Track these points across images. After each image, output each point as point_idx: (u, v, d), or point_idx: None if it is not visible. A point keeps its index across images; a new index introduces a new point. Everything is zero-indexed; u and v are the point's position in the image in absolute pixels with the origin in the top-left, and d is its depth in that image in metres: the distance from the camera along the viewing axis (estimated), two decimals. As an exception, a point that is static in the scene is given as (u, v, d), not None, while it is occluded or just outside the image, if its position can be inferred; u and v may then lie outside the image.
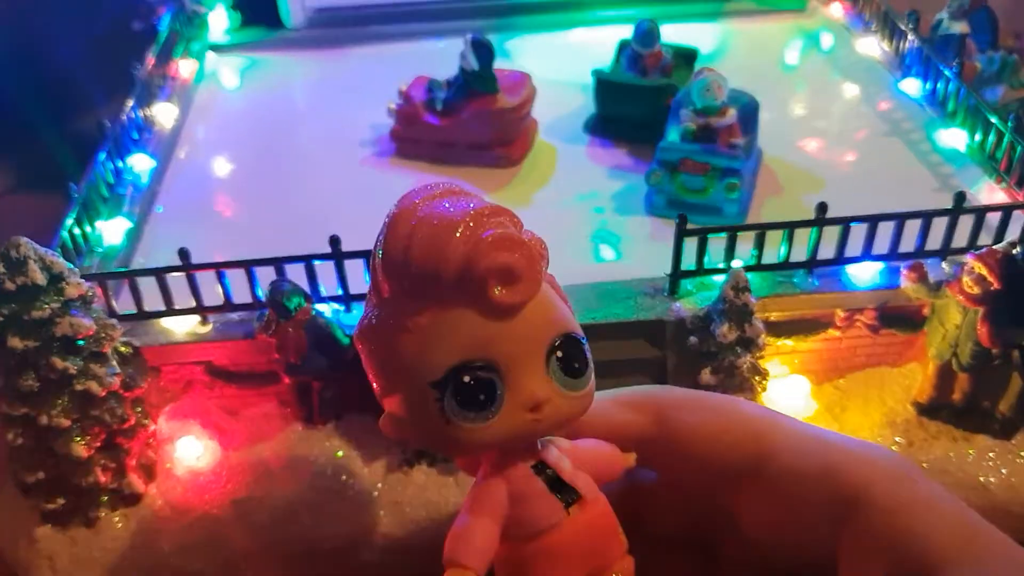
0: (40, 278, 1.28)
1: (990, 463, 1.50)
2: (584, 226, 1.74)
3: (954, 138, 1.85)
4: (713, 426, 0.63)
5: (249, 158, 2.01)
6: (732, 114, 1.71)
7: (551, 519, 0.60)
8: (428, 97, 1.91)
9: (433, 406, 0.56)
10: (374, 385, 0.61)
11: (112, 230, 1.68)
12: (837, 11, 2.36)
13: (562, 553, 0.60)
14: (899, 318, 1.54)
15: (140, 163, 1.87)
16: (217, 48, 2.37)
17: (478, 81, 1.86)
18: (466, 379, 0.56)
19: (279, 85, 2.29)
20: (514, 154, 1.93)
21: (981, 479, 1.48)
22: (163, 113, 2.03)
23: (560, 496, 0.61)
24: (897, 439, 1.52)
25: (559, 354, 0.59)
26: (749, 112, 1.78)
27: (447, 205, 0.56)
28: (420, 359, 0.56)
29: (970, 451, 1.51)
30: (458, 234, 0.55)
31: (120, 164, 1.82)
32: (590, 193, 1.84)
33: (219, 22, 2.36)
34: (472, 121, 1.88)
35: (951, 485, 1.48)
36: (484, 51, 1.84)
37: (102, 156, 1.74)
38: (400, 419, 0.59)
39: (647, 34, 1.94)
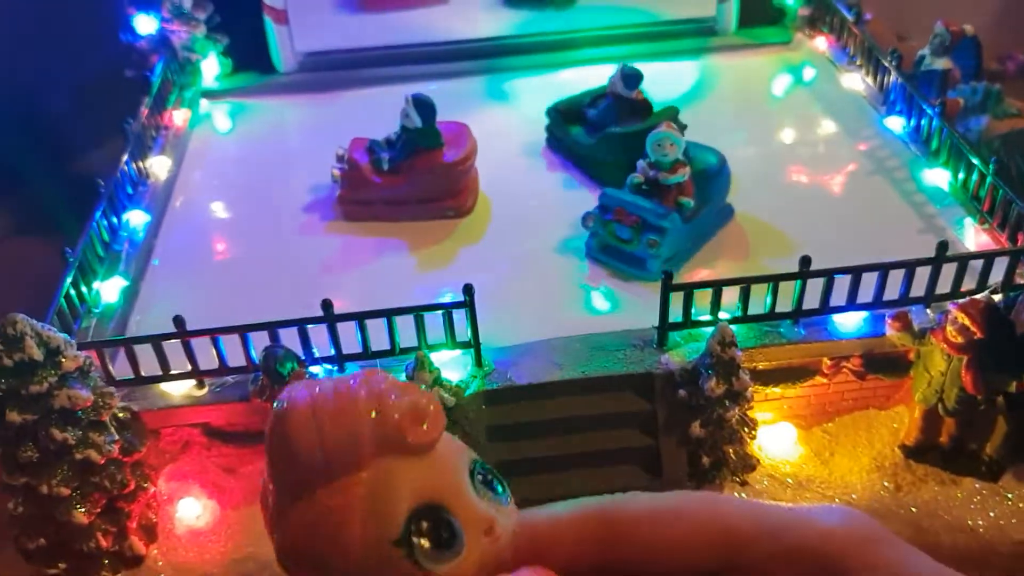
0: (37, 354, 1.31)
1: (977, 505, 1.52)
2: (520, 270, 1.78)
3: (937, 177, 1.87)
4: (677, 533, 0.61)
5: (243, 204, 2.03)
6: (684, 172, 1.72)
7: None
8: (371, 158, 1.93)
9: (404, 567, 0.55)
10: None
11: (109, 289, 1.71)
12: (822, 44, 2.39)
13: None
14: (885, 363, 1.57)
15: (136, 218, 1.89)
16: (209, 94, 2.39)
17: (422, 138, 1.89)
18: (425, 523, 0.55)
19: (272, 129, 2.31)
20: (464, 204, 1.95)
21: (969, 522, 1.50)
22: (157, 165, 2.06)
23: None
24: (885, 483, 1.54)
25: (479, 476, 0.59)
26: (711, 172, 1.79)
27: (330, 386, 0.55)
28: (370, 529, 0.55)
29: (958, 494, 1.53)
30: (360, 397, 0.54)
31: (115, 221, 1.84)
32: (535, 237, 1.88)
33: (211, 68, 2.38)
34: (421, 177, 1.90)
35: (940, 528, 1.50)
36: (426, 109, 1.87)
37: (97, 215, 1.76)
38: None
39: (633, 77, 1.96)
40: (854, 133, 2.10)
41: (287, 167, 2.16)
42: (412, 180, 1.91)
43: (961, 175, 1.81)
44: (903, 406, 1.61)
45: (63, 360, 1.34)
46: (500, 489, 0.59)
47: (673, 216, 1.70)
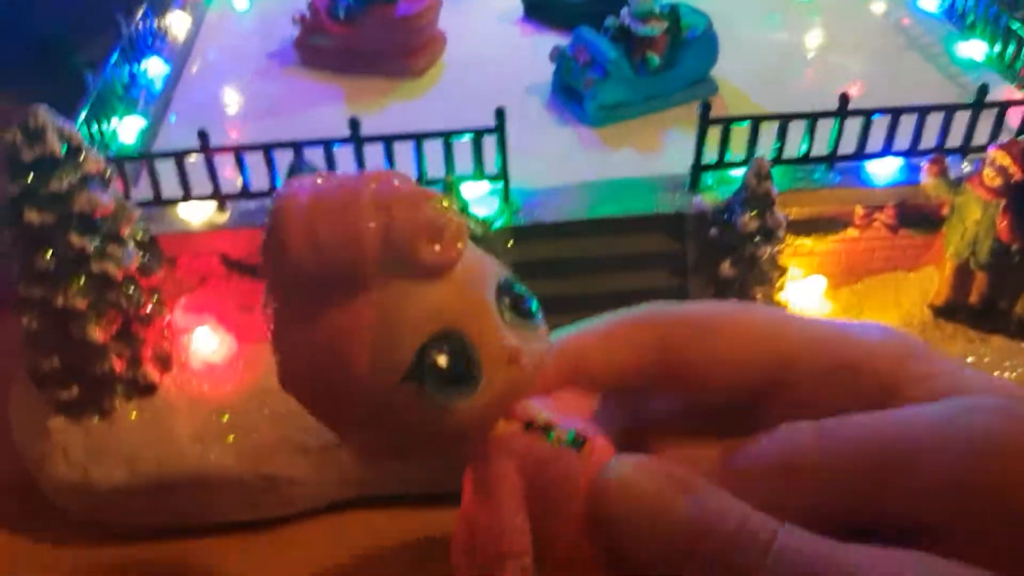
0: (58, 150, 1.27)
1: (1006, 364, 1.50)
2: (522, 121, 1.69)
3: (973, 49, 1.84)
4: (728, 343, 0.55)
5: (257, 82, 1.98)
6: (656, 26, 1.68)
7: (571, 473, 0.54)
8: (331, 4, 1.89)
9: (416, 401, 0.50)
10: (331, 426, 0.53)
11: (126, 129, 1.67)
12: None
13: None
14: (918, 218, 1.54)
15: (154, 67, 1.85)
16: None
17: None
18: (439, 356, 0.50)
19: (287, 7, 2.25)
20: (416, 64, 1.91)
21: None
22: (176, 22, 2.02)
23: (570, 445, 0.54)
24: (914, 339, 1.51)
25: (507, 298, 0.53)
26: (691, 37, 1.74)
27: (333, 186, 0.49)
28: (379, 359, 0.49)
29: (987, 352, 1.50)
30: (364, 204, 0.48)
31: (135, 68, 1.80)
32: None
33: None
34: (372, 29, 1.86)
35: (969, 385, 1.47)
36: None
37: (115, 57, 1.72)
38: (380, 444, 0.53)
39: None
40: (887, 12, 2.07)
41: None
42: (363, 31, 1.87)
43: (998, 46, 1.79)
44: (932, 267, 1.58)
45: (85, 160, 1.30)
46: (531, 311, 0.54)
47: (621, 63, 1.67)
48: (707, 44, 1.77)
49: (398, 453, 0.54)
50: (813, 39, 2.05)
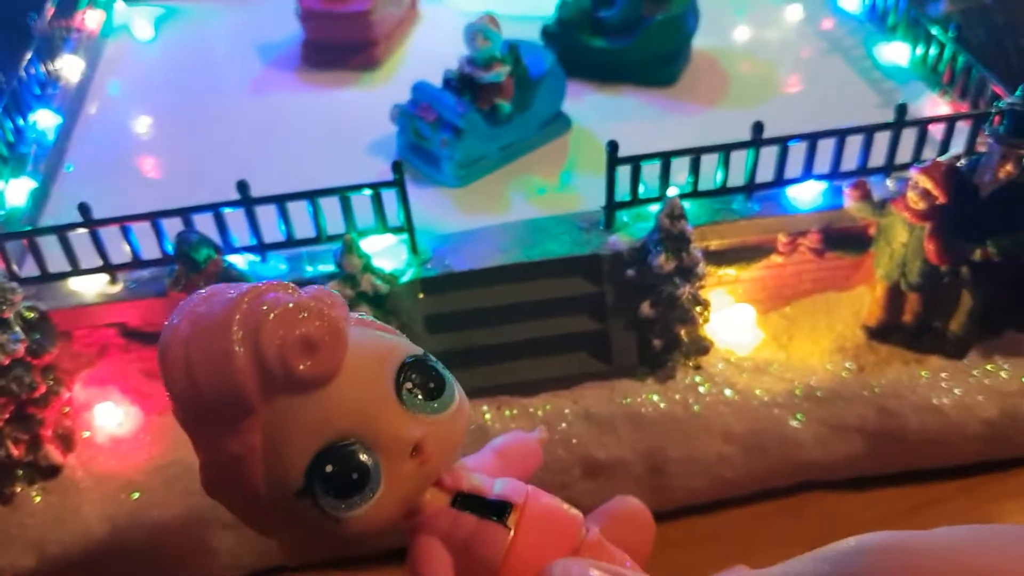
0: (-76, 241, 1.19)
1: (943, 384, 1.46)
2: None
3: (896, 53, 1.78)
4: None
5: (165, 112, 1.90)
6: (501, 71, 1.57)
7: (498, 544, 0.55)
8: None
9: (314, 514, 0.51)
10: (254, 528, 0.56)
11: (15, 191, 1.58)
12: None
13: (527, 565, 0.55)
14: (844, 240, 1.49)
15: (44, 120, 1.75)
16: (128, -2, 2.24)
17: None
18: (328, 471, 0.50)
19: (195, 34, 2.17)
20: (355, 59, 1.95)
21: (935, 400, 1.43)
22: (68, 67, 1.91)
23: (494, 517, 0.56)
24: (847, 364, 1.47)
25: (409, 385, 0.53)
26: (537, 76, 1.64)
27: (208, 310, 0.50)
28: (272, 480, 0.51)
29: (923, 373, 1.46)
30: (233, 331, 0.48)
31: (21, 122, 1.71)
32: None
33: (129, -31, 2.23)
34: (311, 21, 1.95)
35: (907, 409, 1.43)
36: None
37: (-1, 111, 1.63)
38: (299, 544, 0.59)
39: None
40: (810, 14, 2.01)
41: (212, 71, 2.03)
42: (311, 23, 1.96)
43: (920, 50, 1.73)
44: (864, 286, 1.53)
45: (-45, 249, 1.22)
46: (438, 389, 0.53)
47: (472, 116, 1.56)
48: (555, 80, 1.67)
49: (318, 550, 0.56)
50: (734, 39, 1.99)
